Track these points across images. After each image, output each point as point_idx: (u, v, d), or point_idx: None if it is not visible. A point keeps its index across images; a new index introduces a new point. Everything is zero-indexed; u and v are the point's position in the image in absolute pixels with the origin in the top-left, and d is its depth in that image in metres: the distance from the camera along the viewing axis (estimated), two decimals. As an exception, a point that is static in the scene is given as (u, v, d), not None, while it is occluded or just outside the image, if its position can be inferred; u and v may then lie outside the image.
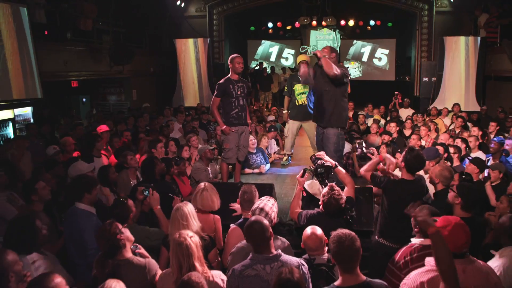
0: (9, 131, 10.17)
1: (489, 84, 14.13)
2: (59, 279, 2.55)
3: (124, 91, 13.98)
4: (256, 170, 7.49)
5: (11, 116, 10.25)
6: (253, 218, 3.18)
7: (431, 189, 4.73)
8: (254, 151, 7.57)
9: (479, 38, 13.56)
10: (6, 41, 8.31)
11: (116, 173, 5.58)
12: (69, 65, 10.41)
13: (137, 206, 4.28)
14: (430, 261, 2.77)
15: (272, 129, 9.06)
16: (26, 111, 10.78)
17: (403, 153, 4.18)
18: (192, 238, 3.15)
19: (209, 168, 6.77)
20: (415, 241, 3.32)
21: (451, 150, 6.52)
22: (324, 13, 15.76)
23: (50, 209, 4.66)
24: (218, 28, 17.07)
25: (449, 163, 6.27)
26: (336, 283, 2.76)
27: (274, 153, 8.57)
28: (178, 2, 15.46)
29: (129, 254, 3.35)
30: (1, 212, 4.61)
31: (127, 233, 3.35)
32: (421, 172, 5.68)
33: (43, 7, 9.57)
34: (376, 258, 3.91)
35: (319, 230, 3.32)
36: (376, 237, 4.07)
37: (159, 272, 3.36)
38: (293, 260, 3.06)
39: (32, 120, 10.58)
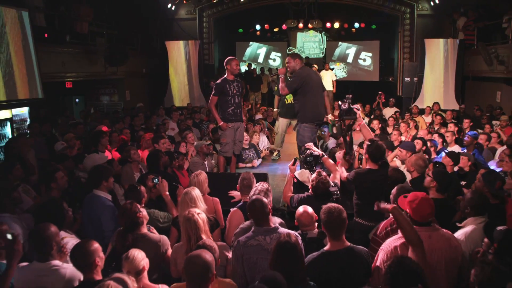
0: (7, 131, 10.51)
1: (467, 84, 14.84)
2: (96, 244, 3.05)
3: (117, 91, 14.38)
4: (249, 164, 8.01)
5: (9, 116, 10.60)
6: (254, 197, 3.71)
7: (408, 177, 5.32)
8: (247, 146, 8.10)
9: (457, 41, 14.24)
10: (11, 44, 8.73)
11: (119, 166, 6.09)
12: (66, 67, 10.82)
13: (146, 193, 4.78)
14: None
15: (257, 124, 9.70)
16: (23, 111, 11.14)
17: (365, 146, 4.74)
18: (199, 214, 3.67)
19: (205, 162, 7.28)
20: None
21: (429, 144, 7.12)
22: (311, 16, 16.28)
23: (63, 198, 5.14)
24: (208, 30, 17.58)
25: (427, 156, 6.91)
26: (325, 248, 3.32)
27: (266, 149, 9.10)
28: (169, 5, 15.91)
29: (145, 230, 3.85)
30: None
31: (144, 212, 3.86)
32: (398, 163, 6.32)
33: (43, 11, 9.97)
34: (354, 236, 4.46)
35: (310, 209, 3.86)
36: (354, 217, 4.63)
37: (170, 248, 3.87)
38: (290, 231, 3.59)
39: (28, 120, 10.95)
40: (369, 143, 4.63)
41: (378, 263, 3.32)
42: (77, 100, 14.57)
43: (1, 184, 4.59)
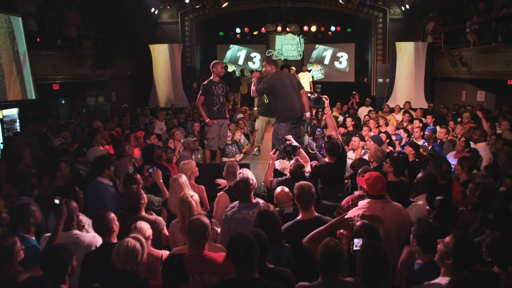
0: (-3, 131, 10.94)
1: (436, 84, 15.80)
2: (113, 215, 3.69)
3: (103, 93, 14.86)
4: (232, 159, 8.70)
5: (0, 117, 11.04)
6: (239, 178, 4.40)
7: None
8: (230, 142, 8.82)
9: (426, 44, 15.18)
10: (2, 47, 9.20)
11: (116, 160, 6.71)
12: (57, 70, 11.32)
13: (142, 180, 5.42)
14: (360, 203, 4.08)
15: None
16: (13, 112, 11.56)
17: (324, 143, 5.57)
18: (193, 197, 4.33)
19: (192, 157, 7.94)
20: (356, 192, 4.64)
21: (394, 137, 7.93)
22: (289, 20, 16.95)
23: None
24: (190, 33, 18.16)
25: (391, 148, 7.75)
26: (298, 218, 4.04)
27: (246, 144, 9.81)
28: (152, 10, 16.48)
29: (143, 213, 4.46)
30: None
31: (144, 197, 4.49)
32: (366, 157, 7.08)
33: (34, 17, 10.47)
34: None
35: (286, 189, 4.56)
36: (321, 200, 5.36)
37: (165, 227, 4.50)
38: (269, 204, 4.28)
39: (18, 121, 11.39)
40: (326, 140, 5.44)
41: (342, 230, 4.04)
42: (63, 101, 15.02)
43: (21, 172, 5.19)
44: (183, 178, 4.97)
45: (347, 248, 3.22)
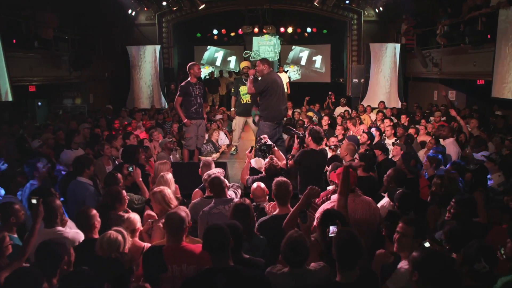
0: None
1: (410, 84, 16.22)
2: (94, 211, 3.84)
3: (81, 95, 14.84)
4: (208, 158, 8.86)
5: (-25, 118, 10.98)
6: (213, 175, 4.59)
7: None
8: (205, 141, 9.02)
9: (399, 45, 15.59)
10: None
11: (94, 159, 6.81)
12: (34, 71, 11.30)
13: (122, 179, 5.55)
14: (333, 197, 4.30)
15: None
16: (-12, 114, 11.53)
17: (307, 132, 5.93)
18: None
19: (171, 157, 8.08)
20: (329, 188, 4.87)
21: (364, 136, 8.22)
22: (265, 22, 17.11)
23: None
24: (167, 35, 18.16)
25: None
26: (274, 213, 4.24)
27: (225, 144, 9.97)
28: (130, 11, 16.47)
29: (121, 212, 4.57)
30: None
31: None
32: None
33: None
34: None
35: (262, 184, 4.78)
36: (298, 194, 5.55)
37: (139, 224, 4.63)
38: (244, 198, 4.47)
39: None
40: (311, 128, 5.76)
41: (315, 223, 4.26)
42: (39, 103, 14.93)
43: (7, 172, 5.28)
44: (169, 176, 5.19)
45: (317, 237, 3.44)
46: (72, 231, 3.94)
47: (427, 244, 3.42)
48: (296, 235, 3.14)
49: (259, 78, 7.77)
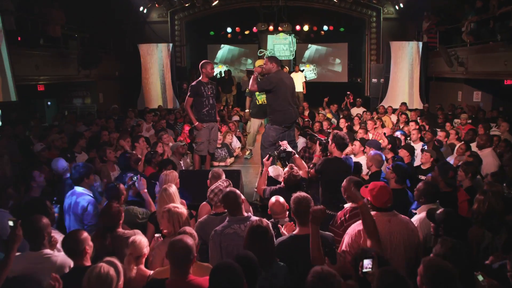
0: (-20, 134, 10.49)
1: (431, 84, 15.53)
2: (86, 234, 3.29)
3: (90, 94, 14.43)
4: (222, 163, 8.31)
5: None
6: (227, 189, 4.01)
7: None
8: (220, 146, 8.41)
9: (421, 43, 14.90)
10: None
11: (101, 164, 6.32)
12: (40, 70, 10.87)
13: (126, 190, 5.02)
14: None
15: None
16: (-6, 114, 11.16)
17: (330, 138, 5.35)
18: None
19: (181, 162, 7.55)
20: (346, 206, 4.27)
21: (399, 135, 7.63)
22: (280, 19, 16.57)
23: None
24: (179, 33, 17.76)
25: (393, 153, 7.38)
26: (294, 232, 3.66)
27: (238, 147, 9.40)
28: (141, 8, 16.03)
29: (121, 230, 4.01)
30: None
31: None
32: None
33: (12, 14, 9.95)
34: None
35: (281, 198, 4.20)
36: None
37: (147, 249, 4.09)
38: (262, 218, 3.90)
39: (0, 123, 10.95)
40: (334, 133, 5.18)
41: (343, 247, 3.68)
42: (49, 103, 14.58)
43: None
44: (173, 188, 4.54)
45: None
46: (61, 255, 3.38)
47: (480, 278, 2.85)
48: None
49: (261, 77, 7.13)
